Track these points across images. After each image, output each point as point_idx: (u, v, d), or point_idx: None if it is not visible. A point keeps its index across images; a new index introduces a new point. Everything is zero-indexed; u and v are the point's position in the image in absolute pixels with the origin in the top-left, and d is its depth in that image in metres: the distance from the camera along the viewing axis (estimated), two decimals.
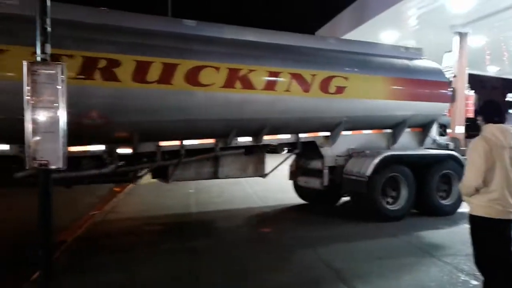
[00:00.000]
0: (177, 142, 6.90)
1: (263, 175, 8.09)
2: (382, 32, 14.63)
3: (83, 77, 5.67)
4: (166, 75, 6.17)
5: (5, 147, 5.63)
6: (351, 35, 15.07)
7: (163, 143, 6.77)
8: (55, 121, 4.46)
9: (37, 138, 4.41)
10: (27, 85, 4.34)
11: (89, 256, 5.92)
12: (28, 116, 4.36)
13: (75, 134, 5.21)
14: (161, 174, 7.35)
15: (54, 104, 4.45)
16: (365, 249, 6.17)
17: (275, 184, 10.78)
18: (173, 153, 6.98)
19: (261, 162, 8.04)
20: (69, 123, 4.63)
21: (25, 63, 4.32)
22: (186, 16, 7.12)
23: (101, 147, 6.29)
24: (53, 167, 4.49)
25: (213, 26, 7.06)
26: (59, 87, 4.45)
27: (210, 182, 8.33)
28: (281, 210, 9.09)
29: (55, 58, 4.72)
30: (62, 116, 4.49)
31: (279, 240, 6.67)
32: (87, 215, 8.49)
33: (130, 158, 6.68)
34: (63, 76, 4.46)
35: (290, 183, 9.65)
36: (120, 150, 6.39)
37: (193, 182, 9.11)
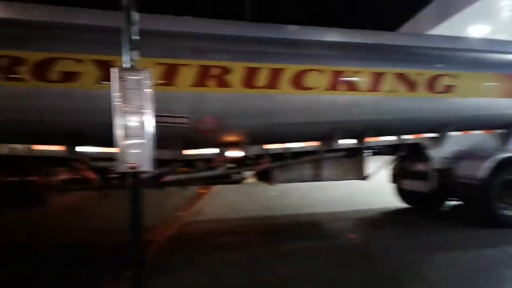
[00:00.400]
0: (281, 145, 7.18)
1: (364, 178, 7.98)
2: (470, 27, 13.64)
3: (199, 84, 6.17)
4: (273, 80, 6.46)
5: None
6: (435, 31, 14.26)
7: (268, 146, 7.09)
8: (142, 125, 4.60)
9: (127, 142, 4.56)
10: (117, 91, 4.50)
11: (177, 256, 6.10)
12: (118, 122, 4.52)
13: (193, 138, 6.08)
14: (265, 176, 7.60)
15: (142, 110, 4.59)
16: (463, 261, 5.72)
17: (361, 188, 10.45)
18: (278, 156, 7.24)
19: (362, 165, 7.95)
20: (187, 128, 5.59)
21: (114, 70, 4.49)
22: (265, 20, 7.23)
23: (215, 150, 6.80)
24: (142, 170, 4.63)
25: (315, 30, 7.19)
26: (145, 92, 4.58)
27: (294, 185, 8.25)
28: (372, 215, 8.75)
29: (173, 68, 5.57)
30: (149, 120, 4.61)
31: (368, 248, 6.39)
32: (175, 216, 8.77)
33: (238, 161, 7.08)
34: (149, 82, 4.59)
35: (378, 186, 9.27)
36: (230, 153, 6.84)
37: (276, 185, 9.09)
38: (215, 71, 6.23)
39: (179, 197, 10.34)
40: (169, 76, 6.13)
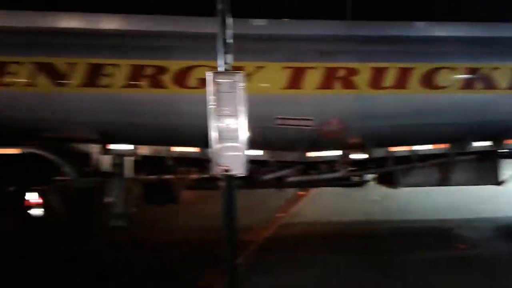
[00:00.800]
0: (408, 147, 6.91)
1: (499, 183, 7.25)
2: None
3: (325, 87, 6.15)
4: (402, 80, 6.19)
5: (258, 152, 6.64)
6: None
7: (393, 149, 6.88)
8: (236, 128, 4.60)
9: (221, 145, 4.60)
10: (212, 95, 4.55)
11: (273, 257, 6.11)
12: (212, 124, 4.58)
13: (317, 140, 6.21)
14: (388, 179, 7.37)
15: (235, 112, 4.60)
16: None
17: (468, 194, 9.53)
18: (403, 159, 6.96)
19: (497, 169, 7.22)
20: (312, 130, 5.82)
21: (209, 74, 4.56)
22: (368, 18, 6.88)
23: (338, 153, 6.77)
24: (234, 173, 4.64)
25: (442, 25, 6.71)
26: (239, 95, 4.58)
27: (396, 189, 7.79)
28: (484, 224, 7.95)
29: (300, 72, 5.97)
30: (242, 123, 4.61)
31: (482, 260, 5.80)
32: (273, 218, 8.76)
33: (360, 163, 6.98)
34: (242, 85, 4.58)
35: (489, 192, 8.35)
36: (353, 155, 6.77)
37: (377, 189, 8.66)
38: (342, 73, 6.14)
39: (278, 198, 10.32)
40: (295, 79, 6.19)
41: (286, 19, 6.80)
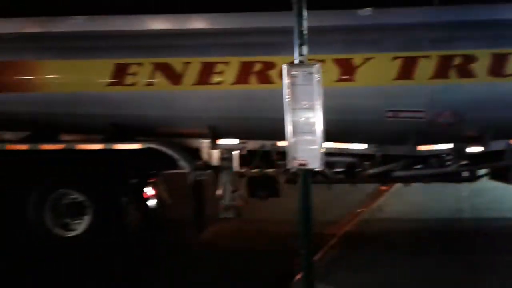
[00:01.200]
0: None
1: None
2: None
3: (439, 76, 5.92)
4: None
5: (362, 146, 6.53)
6: None
7: None
8: (312, 121, 4.50)
9: (296, 138, 4.53)
10: (287, 88, 4.49)
11: (355, 252, 6.07)
12: (288, 118, 4.52)
13: (429, 133, 5.99)
14: (503, 175, 6.83)
15: (311, 105, 4.49)
16: None
17: None
18: None
19: None
20: (424, 122, 5.70)
21: (285, 66, 4.49)
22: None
23: (450, 146, 6.42)
24: (310, 167, 4.54)
25: None
26: (314, 87, 4.47)
27: (491, 184, 7.24)
28: None
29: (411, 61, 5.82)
30: (318, 116, 4.49)
31: None
32: (354, 212, 8.53)
33: (473, 157, 6.55)
34: (318, 76, 4.46)
35: None
36: (468, 149, 6.38)
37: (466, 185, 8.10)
38: (458, 61, 5.88)
39: (359, 192, 10.03)
40: (406, 69, 5.99)
41: (392, 8, 6.57)
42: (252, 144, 6.86)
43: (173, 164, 6.73)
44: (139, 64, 6.44)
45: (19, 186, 6.74)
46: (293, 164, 4.57)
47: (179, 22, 6.89)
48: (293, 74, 4.50)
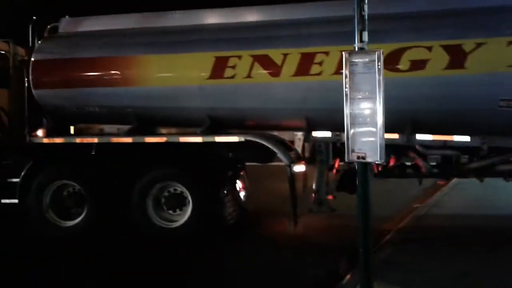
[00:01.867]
0: None
1: None
2: None
3: None
4: None
5: (465, 138, 6.09)
6: None
7: None
8: (372, 112, 4.23)
9: (356, 130, 4.29)
10: (346, 77, 4.25)
11: (410, 248, 5.84)
12: (347, 109, 4.28)
13: None
14: None
15: (371, 95, 4.23)
16: None
17: None
18: None
19: None
20: None
21: (344, 54, 4.25)
22: None
23: None
24: (370, 160, 4.29)
25: None
26: (376, 76, 4.19)
27: None
28: None
29: None
30: (379, 107, 4.22)
31: None
32: (409, 207, 8.20)
33: None
34: (380, 64, 4.18)
35: None
36: None
37: None
38: None
39: (416, 187, 9.60)
40: None
41: None
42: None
43: (269, 157, 6.74)
44: (239, 56, 6.46)
45: (122, 179, 6.89)
46: (351, 157, 4.33)
47: (276, 13, 6.83)
48: (353, 62, 4.25)
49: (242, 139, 6.64)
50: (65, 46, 7.02)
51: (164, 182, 6.80)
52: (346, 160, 4.42)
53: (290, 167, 6.59)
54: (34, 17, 7.23)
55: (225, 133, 6.82)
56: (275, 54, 6.40)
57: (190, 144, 6.75)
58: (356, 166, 4.46)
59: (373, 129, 4.23)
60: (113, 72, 6.78)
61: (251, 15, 6.89)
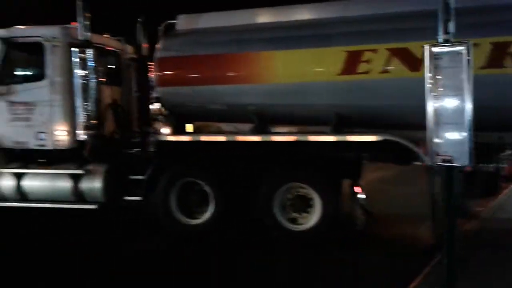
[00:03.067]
0: None
1: None
2: None
3: None
4: None
5: None
6: None
7: None
8: (460, 110, 3.84)
9: (441, 130, 3.90)
10: (429, 72, 3.87)
11: (478, 255, 5.38)
12: (429, 106, 3.91)
13: None
14: None
15: (459, 91, 3.84)
16: None
17: None
18: None
19: None
20: None
21: (426, 47, 3.87)
22: None
23: None
24: (457, 164, 3.89)
25: None
26: (464, 70, 3.80)
27: None
28: None
29: None
30: (468, 104, 3.82)
31: None
32: (472, 211, 7.63)
33: None
34: (469, 57, 3.78)
35: None
36: None
37: None
38: None
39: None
40: None
41: None
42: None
43: (406, 158, 6.05)
44: (373, 50, 5.94)
45: (248, 178, 6.59)
46: (435, 161, 3.94)
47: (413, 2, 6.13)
48: (437, 55, 3.87)
49: (380, 138, 6.00)
50: (188, 43, 6.79)
51: (290, 183, 6.39)
52: (430, 163, 4.01)
53: (433, 168, 5.95)
54: (143, 15, 7.25)
55: (358, 132, 6.29)
56: (416, 47, 5.61)
57: (316, 144, 6.26)
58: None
59: (461, 129, 3.84)
60: (236, 69, 6.49)
61: (386, 6, 6.24)
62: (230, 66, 6.49)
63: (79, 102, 6.32)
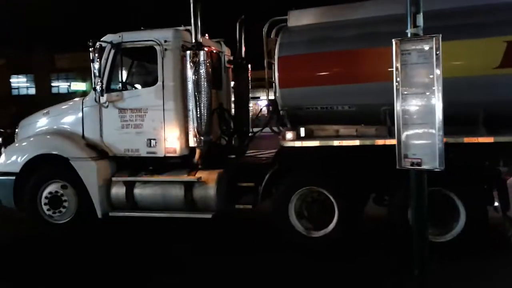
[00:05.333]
0: None
1: None
2: None
3: None
4: None
5: None
6: None
7: None
8: (429, 110, 3.58)
9: (409, 131, 3.64)
10: (396, 69, 3.60)
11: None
12: (397, 106, 3.64)
13: None
14: None
15: (428, 89, 3.58)
16: None
17: None
18: None
19: None
20: None
21: (394, 41, 3.60)
22: None
23: None
24: (426, 167, 3.63)
25: None
26: (434, 67, 3.53)
27: None
28: None
29: None
30: (438, 103, 3.56)
31: None
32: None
33: None
34: (438, 53, 3.52)
35: None
36: None
37: None
38: None
39: None
40: None
41: None
42: None
43: None
44: None
45: (381, 185, 5.94)
46: (403, 164, 3.68)
47: None
48: (405, 50, 3.59)
49: None
50: (307, 40, 6.15)
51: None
52: (397, 167, 3.74)
53: None
54: (243, 15, 7.09)
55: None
56: None
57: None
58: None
59: (430, 130, 3.58)
60: (369, 66, 5.76)
61: None
62: (362, 63, 5.78)
63: (191, 107, 6.09)
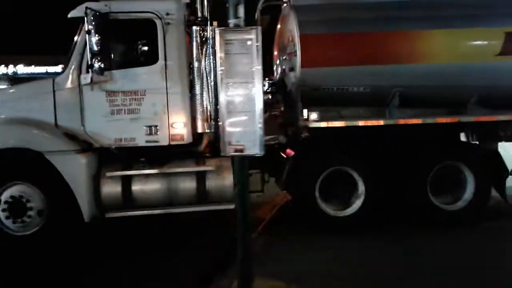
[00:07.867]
0: None
1: None
2: None
3: None
4: None
5: None
6: None
7: None
8: (250, 99, 3.76)
9: (232, 119, 3.76)
10: (220, 58, 3.67)
11: None
12: (222, 95, 3.72)
13: None
14: None
15: (249, 79, 3.74)
16: None
17: None
18: None
19: None
20: None
21: (217, 31, 3.66)
22: None
23: None
24: (249, 153, 3.83)
25: None
26: (254, 57, 3.71)
27: None
28: None
29: None
30: (258, 92, 3.76)
31: None
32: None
33: None
34: (258, 44, 3.69)
35: None
36: None
37: None
38: None
39: None
40: None
41: None
42: None
43: None
44: None
45: (401, 164, 6.22)
46: (228, 151, 3.80)
47: None
48: (228, 40, 3.68)
49: None
50: (328, 19, 6.03)
51: (444, 162, 6.24)
52: (221, 154, 3.86)
53: None
54: None
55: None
56: None
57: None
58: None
59: (251, 118, 3.77)
60: (386, 48, 5.99)
61: None
62: (381, 45, 5.99)
63: (201, 89, 5.45)
